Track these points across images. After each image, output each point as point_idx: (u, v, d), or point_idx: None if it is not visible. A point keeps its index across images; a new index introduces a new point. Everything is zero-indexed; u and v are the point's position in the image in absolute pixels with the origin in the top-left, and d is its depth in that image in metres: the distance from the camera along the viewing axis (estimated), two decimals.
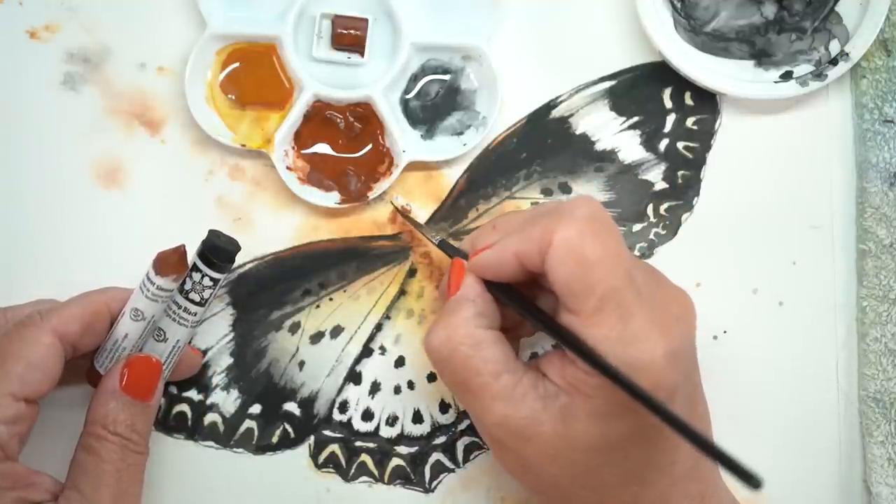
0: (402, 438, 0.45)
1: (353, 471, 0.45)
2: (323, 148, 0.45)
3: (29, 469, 0.37)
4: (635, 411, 0.34)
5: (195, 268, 0.40)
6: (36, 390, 0.37)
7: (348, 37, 0.45)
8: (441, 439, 0.45)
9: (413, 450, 0.45)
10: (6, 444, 0.37)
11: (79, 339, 0.39)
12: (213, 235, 0.41)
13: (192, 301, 0.41)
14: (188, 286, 0.40)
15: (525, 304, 0.38)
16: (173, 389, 0.45)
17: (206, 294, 0.41)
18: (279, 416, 0.45)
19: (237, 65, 0.45)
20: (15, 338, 0.38)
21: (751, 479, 0.29)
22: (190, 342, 0.44)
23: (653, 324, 0.34)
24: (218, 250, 0.40)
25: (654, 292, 0.36)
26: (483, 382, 0.36)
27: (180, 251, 0.39)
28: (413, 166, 0.45)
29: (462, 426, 0.45)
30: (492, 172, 0.46)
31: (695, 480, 0.37)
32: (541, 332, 0.44)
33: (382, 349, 0.45)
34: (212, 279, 0.40)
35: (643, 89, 0.46)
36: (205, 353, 0.45)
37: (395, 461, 0.45)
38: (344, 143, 0.45)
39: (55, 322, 0.38)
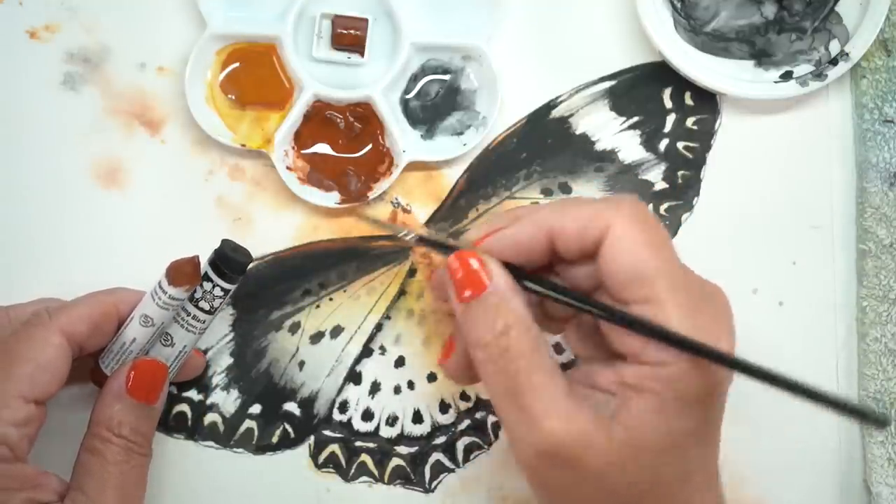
0: (402, 438, 0.45)
1: (353, 471, 0.45)
2: (323, 148, 0.45)
3: (37, 470, 0.37)
4: (699, 404, 0.33)
5: (206, 277, 0.40)
6: (45, 392, 0.37)
7: (348, 37, 0.45)
8: (441, 439, 0.45)
9: (413, 450, 0.45)
10: (16, 445, 0.37)
11: (86, 339, 0.39)
12: (227, 246, 0.40)
13: (201, 309, 0.41)
14: (198, 294, 0.40)
15: (571, 291, 0.35)
16: (173, 389, 0.44)
17: (216, 303, 0.41)
18: (279, 416, 0.45)
19: (237, 65, 0.45)
20: (23, 338, 0.38)
21: (878, 420, 0.29)
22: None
23: (716, 319, 0.34)
24: (230, 261, 0.40)
25: (705, 289, 0.35)
26: (542, 388, 0.33)
27: (194, 262, 0.39)
28: (413, 166, 0.45)
29: (462, 426, 0.45)
30: (492, 172, 0.46)
31: (719, 485, 0.36)
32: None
33: (382, 349, 0.45)
34: (223, 290, 0.40)
35: (643, 89, 0.46)
36: (205, 353, 0.45)
37: (395, 461, 0.45)
38: (344, 143, 0.45)
39: (64, 322, 0.38)
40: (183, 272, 0.39)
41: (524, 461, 0.33)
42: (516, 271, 0.35)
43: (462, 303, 0.34)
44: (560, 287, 0.35)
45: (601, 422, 0.33)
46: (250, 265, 0.41)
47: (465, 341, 0.35)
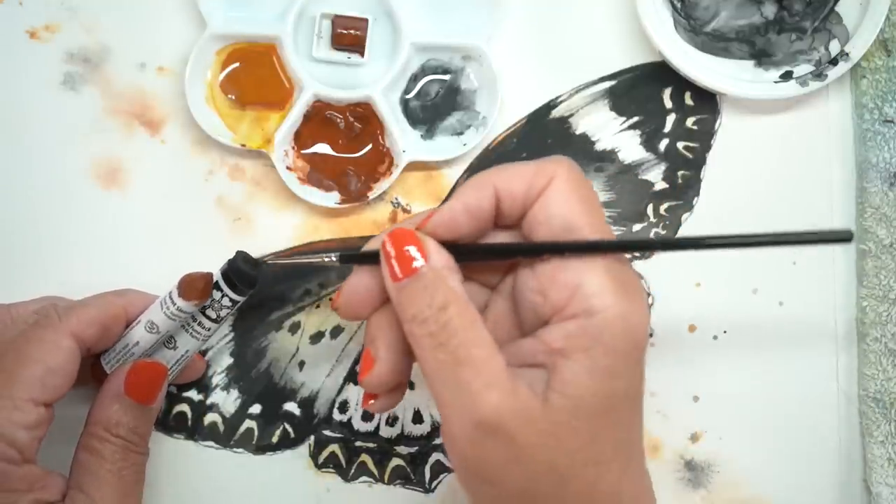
0: (402, 438, 0.45)
1: (353, 471, 0.45)
2: (323, 148, 0.45)
3: (43, 471, 0.38)
4: (629, 360, 0.33)
5: (217, 286, 0.40)
6: (55, 394, 0.37)
7: (348, 37, 0.45)
8: (441, 439, 0.45)
9: (413, 450, 0.45)
10: (26, 448, 0.37)
11: (95, 342, 0.39)
12: (241, 258, 0.40)
13: (208, 317, 0.40)
14: (207, 302, 0.40)
15: (493, 246, 0.35)
16: (173, 389, 0.45)
17: (223, 313, 0.41)
18: (279, 416, 0.45)
19: (237, 65, 0.45)
20: (33, 339, 0.38)
21: (841, 234, 0.29)
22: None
23: (634, 281, 0.34)
24: (242, 274, 0.40)
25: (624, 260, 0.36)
26: (481, 362, 0.32)
27: (207, 279, 0.39)
28: (413, 166, 0.45)
29: None
30: None
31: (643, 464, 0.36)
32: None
33: None
34: (231, 300, 0.40)
35: (643, 89, 0.46)
36: (205, 353, 0.45)
37: (395, 461, 0.45)
38: (344, 143, 0.45)
39: (74, 325, 0.38)
40: (195, 287, 0.39)
41: (460, 437, 0.32)
42: (449, 249, 0.35)
43: (397, 282, 0.34)
44: (491, 246, 0.35)
45: (537, 393, 0.32)
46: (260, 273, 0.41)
47: (401, 320, 0.34)
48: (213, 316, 0.41)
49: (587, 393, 0.32)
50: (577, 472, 0.33)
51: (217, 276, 0.40)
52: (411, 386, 0.45)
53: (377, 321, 0.36)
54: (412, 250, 0.34)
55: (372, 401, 0.37)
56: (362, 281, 0.36)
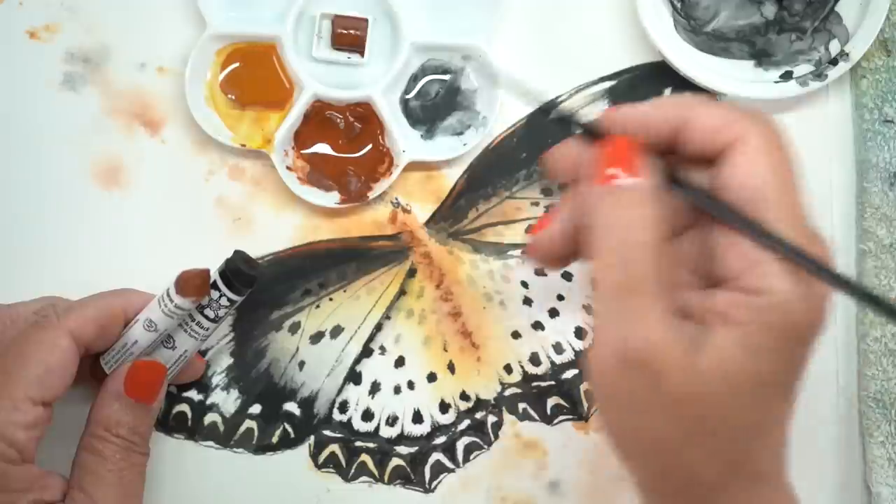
0: (402, 438, 0.45)
1: (353, 471, 0.45)
2: (323, 148, 0.45)
3: (43, 471, 0.37)
4: (789, 345, 0.31)
5: (215, 286, 0.40)
6: (53, 394, 0.37)
7: (348, 37, 0.45)
8: (441, 439, 0.45)
9: (413, 450, 0.45)
10: (25, 448, 0.37)
11: (93, 341, 0.39)
12: (238, 258, 0.40)
13: (206, 317, 0.41)
14: (205, 302, 0.40)
15: (718, 198, 0.32)
16: (173, 390, 0.44)
17: (222, 313, 0.41)
18: (279, 416, 0.45)
19: (237, 65, 0.45)
20: (32, 339, 0.38)
21: None
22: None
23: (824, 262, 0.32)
24: (240, 274, 0.40)
25: (816, 232, 0.33)
26: (655, 290, 0.30)
27: (204, 275, 0.39)
28: (413, 166, 0.45)
29: (462, 426, 0.45)
30: (492, 172, 0.46)
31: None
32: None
33: (382, 349, 0.45)
34: (229, 300, 0.40)
35: (643, 89, 0.46)
36: (205, 353, 0.45)
37: (395, 461, 0.45)
38: (344, 143, 0.45)
39: (72, 324, 0.38)
40: (192, 284, 0.39)
41: (608, 367, 0.31)
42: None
43: (600, 183, 0.32)
44: (704, 191, 0.33)
45: (685, 345, 0.30)
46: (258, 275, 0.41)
47: (589, 222, 0.32)
48: (212, 315, 0.41)
49: (731, 365, 0.30)
50: (687, 451, 0.31)
51: (215, 276, 0.40)
52: (411, 386, 0.45)
53: (573, 193, 0.34)
54: (633, 155, 0.32)
55: (537, 234, 0.35)
56: (576, 147, 0.34)
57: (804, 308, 0.31)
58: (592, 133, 0.33)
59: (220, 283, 0.40)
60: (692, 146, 0.33)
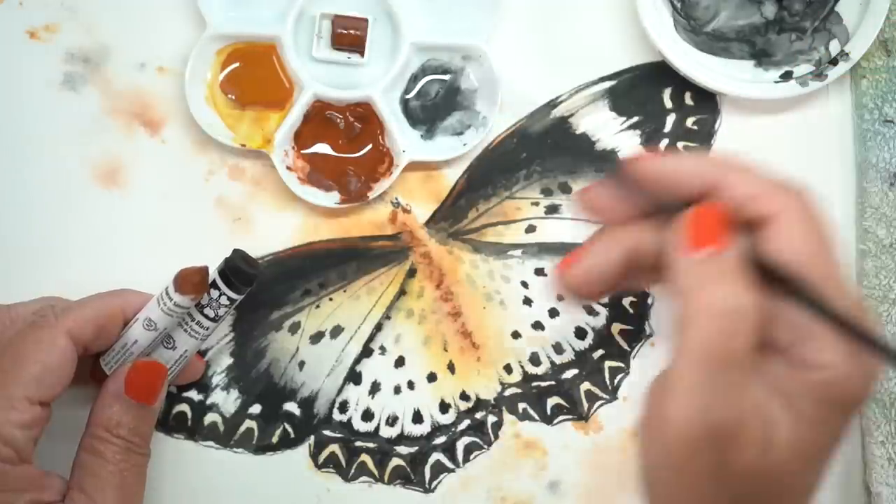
0: (402, 438, 0.45)
1: (353, 471, 0.45)
2: (323, 148, 0.45)
3: (41, 471, 0.37)
4: (836, 420, 0.31)
5: (214, 285, 0.40)
6: (51, 393, 0.37)
7: (348, 37, 0.45)
8: (441, 439, 0.45)
9: (413, 450, 0.45)
10: (23, 448, 0.37)
11: (92, 341, 0.39)
12: (238, 256, 0.40)
13: (206, 316, 0.40)
14: (204, 301, 0.40)
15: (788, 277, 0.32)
16: (173, 390, 0.44)
17: (221, 312, 0.41)
18: (279, 416, 0.45)
19: (237, 65, 0.45)
20: (30, 339, 0.38)
21: None
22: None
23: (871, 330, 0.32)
24: (240, 272, 0.40)
25: (860, 301, 0.34)
26: (749, 368, 0.30)
27: (203, 273, 0.39)
28: (413, 166, 0.45)
29: (462, 426, 0.45)
30: (492, 172, 0.46)
31: None
32: None
33: (382, 349, 0.45)
34: (229, 299, 0.40)
35: (643, 89, 0.46)
36: (205, 353, 0.45)
37: (395, 461, 0.45)
38: (344, 143, 0.45)
39: (70, 324, 0.38)
40: (190, 281, 0.39)
41: (683, 435, 0.30)
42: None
43: (693, 253, 0.31)
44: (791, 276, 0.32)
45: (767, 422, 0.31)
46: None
47: (683, 289, 0.31)
48: (211, 315, 0.41)
49: (792, 443, 0.31)
50: None
51: (214, 275, 0.40)
52: (411, 386, 0.45)
53: (610, 232, 0.35)
54: (726, 225, 0.31)
55: (573, 266, 0.35)
56: (611, 191, 0.34)
57: (857, 383, 0.31)
58: (666, 206, 0.33)
59: (219, 282, 0.40)
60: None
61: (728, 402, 0.30)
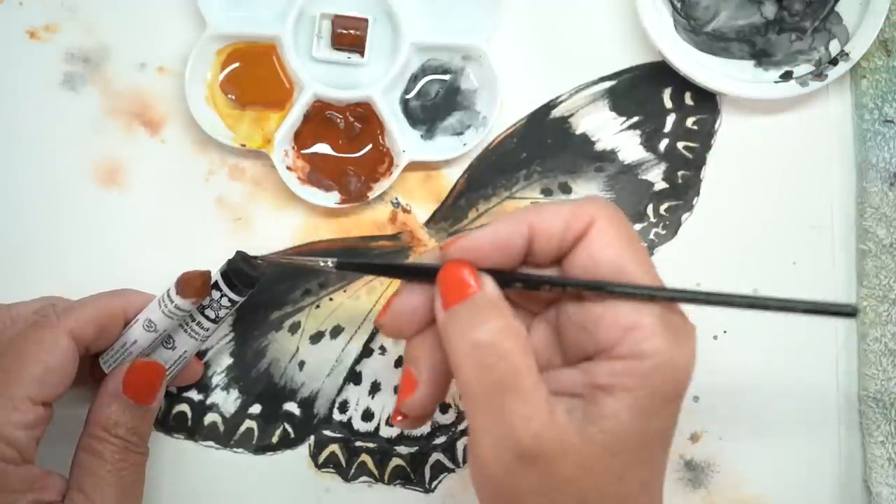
0: (402, 438, 0.45)
1: (353, 471, 0.45)
2: (323, 148, 0.45)
3: (43, 471, 0.37)
4: (672, 402, 0.33)
5: (216, 286, 0.40)
6: (53, 393, 0.37)
7: (348, 37, 0.45)
8: (441, 439, 0.45)
9: (413, 450, 0.45)
10: (25, 448, 0.37)
11: (92, 341, 0.39)
12: (240, 258, 0.40)
13: (206, 317, 0.40)
14: (206, 302, 0.40)
15: (539, 277, 0.35)
16: (173, 390, 0.45)
17: (222, 313, 0.41)
18: (279, 416, 0.45)
19: (237, 65, 0.45)
20: (32, 339, 0.38)
21: (846, 308, 0.30)
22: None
23: (687, 323, 0.34)
24: (242, 274, 0.40)
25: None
26: (528, 390, 0.32)
27: (205, 277, 0.39)
28: (413, 166, 0.45)
29: (462, 426, 0.45)
30: (492, 172, 0.46)
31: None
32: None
33: (382, 349, 0.45)
34: (230, 300, 0.40)
35: (643, 89, 0.46)
36: (205, 353, 0.45)
37: (395, 461, 0.45)
38: (344, 143, 0.45)
39: (72, 324, 0.38)
40: (192, 285, 0.39)
41: (495, 463, 0.32)
42: (496, 275, 0.35)
43: (449, 308, 0.34)
44: (545, 277, 0.35)
45: (576, 424, 0.32)
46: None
47: (448, 349, 0.34)
48: (212, 316, 0.41)
49: (625, 430, 0.32)
50: None
51: (216, 276, 0.40)
52: None
53: (421, 342, 0.36)
54: (466, 275, 0.34)
55: (401, 418, 0.37)
56: (410, 300, 0.36)
57: (682, 363, 0.33)
58: (425, 273, 0.36)
59: (221, 284, 0.40)
60: (545, 253, 0.34)
61: (524, 424, 0.32)
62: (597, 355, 0.33)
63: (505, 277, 0.35)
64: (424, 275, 0.36)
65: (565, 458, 0.32)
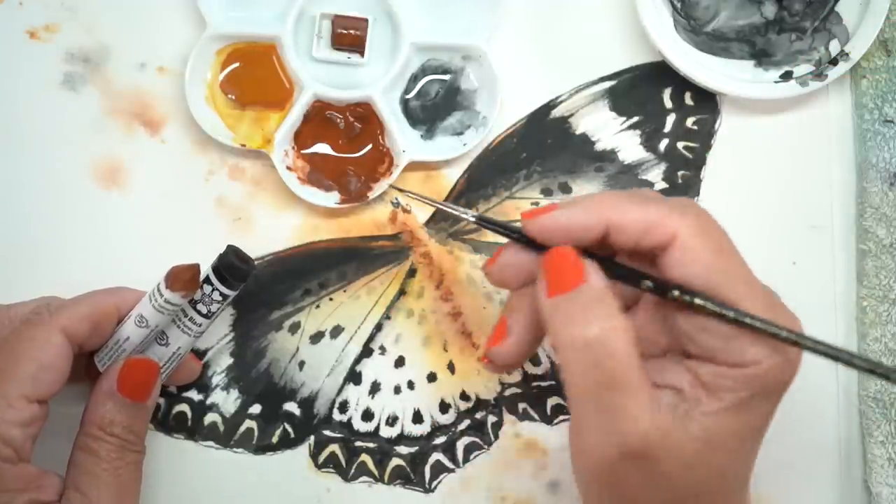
0: (402, 438, 0.45)
1: (353, 471, 0.45)
2: (323, 148, 0.45)
3: (39, 470, 0.37)
4: (770, 403, 0.33)
5: (208, 280, 0.40)
6: (48, 391, 0.37)
7: (348, 37, 0.45)
8: (441, 439, 0.45)
9: (413, 450, 0.45)
10: (21, 446, 0.37)
11: (86, 339, 0.39)
12: (231, 252, 0.40)
13: (199, 312, 0.40)
14: (198, 297, 0.40)
15: (642, 274, 0.34)
16: (173, 389, 0.45)
17: (214, 308, 0.41)
18: (279, 416, 0.45)
19: (237, 65, 0.45)
20: (25, 337, 0.38)
21: None
22: (191, 350, 0.43)
23: (793, 318, 0.34)
24: (233, 268, 0.40)
25: (772, 292, 0.35)
26: (637, 386, 0.32)
27: (194, 270, 0.39)
28: (413, 166, 0.45)
29: (462, 426, 0.45)
30: (492, 172, 0.46)
31: None
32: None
33: (382, 349, 0.45)
34: (222, 295, 0.40)
35: (643, 89, 0.46)
36: (205, 353, 0.45)
37: (395, 461, 0.45)
38: (344, 143, 0.45)
39: (64, 321, 0.38)
40: (181, 278, 0.39)
41: (602, 459, 0.33)
42: (606, 264, 0.34)
43: (552, 297, 0.34)
44: (648, 277, 0.34)
45: (679, 422, 0.32)
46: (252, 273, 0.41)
47: (552, 337, 0.34)
48: (204, 311, 0.40)
49: (726, 429, 0.33)
50: (703, 501, 0.34)
51: (208, 271, 0.40)
52: (411, 386, 0.45)
53: (522, 296, 0.36)
54: (572, 265, 0.34)
55: (487, 362, 0.38)
56: (519, 256, 0.36)
57: (785, 370, 0.33)
58: (531, 245, 0.36)
59: (212, 278, 0.40)
60: (621, 248, 0.34)
61: (630, 423, 0.32)
62: (697, 356, 0.33)
63: (609, 268, 0.34)
64: (530, 245, 0.36)
65: (669, 457, 0.32)
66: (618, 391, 0.32)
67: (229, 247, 0.41)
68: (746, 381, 0.32)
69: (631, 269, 0.35)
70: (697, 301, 0.33)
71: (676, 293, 0.33)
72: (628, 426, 0.32)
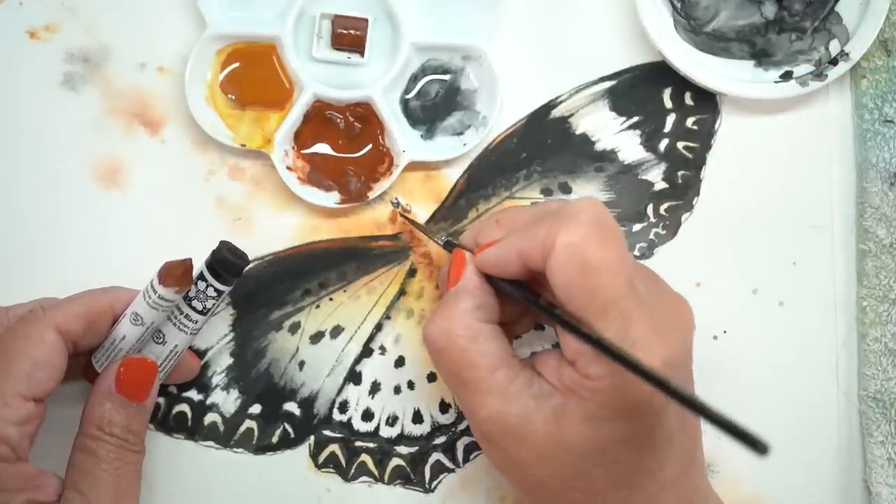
0: (402, 438, 0.45)
1: (353, 471, 0.45)
2: (323, 148, 0.45)
3: (37, 469, 0.37)
4: (627, 417, 0.35)
5: (202, 276, 0.40)
6: (44, 389, 0.37)
7: (348, 37, 0.45)
8: (441, 439, 0.45)
9: (413, 450, 0.45)
10: (18, 445, 0.37)
11: (81, 337, 0.39)
12: (224, 247, 0.40)
13: (194, 309, 0.40)
14: (192, 293, 0.40)
15: (530, 295, 0.38)
16: (173, 389, 0.45)
17: (209, 304, 0.41)
18: (279, 416, 0.45)
19: (237, 65, 0.45)
20: (19, 335, 0.38)
21: (757, 445, 0.28)
22: (190, 348, 0.43)
23: (653, 332, 0.34)
24: (227, 263, 0.40)
25: (655, 300, 0.36)
26: (478, 376, 0.36)
27: (186, 265, 0.39)
28: (413, 166, 0.45)
29: (462, 426, 0.45)
30: (492, 172, 0.46)
31: (682, 486, 0.37)
32: (535, 331, 0.44)
33: (382, 349, 0.45)
34: (216, 290, 0.40)
35: (643, 89, 0.46)
36: (205, 353, 0.45)
37: (395, 461, 0.45)
38: (344, 143, 0.45)
39: (58, 319, 0.38)
40: (173, 274, 0.39)
41: (477, 429, 0.38)
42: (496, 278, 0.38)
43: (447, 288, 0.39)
44: (523, 288, 0.38)
45: (540, 413, 0.36)
46: (246, 268, 0.41)
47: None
48: (199, 307, 0.40)
49: (575, 432, 0.35)
50: (565, 495, 0.37)
51: (202, 267, 0.40)
52: (411, 386, 0.45)
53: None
54: (457, 266, 0.39)
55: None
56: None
57: (625, 393, 0.35)
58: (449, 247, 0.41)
59: (206, 274, 0.40)
60: (538, 270, 0.36)
61: (471, 411, 0.37)
62: (567, 360, 0.36)
63: (502, 282, 0.39)
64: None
65: (522, 443, 0.36)
66: (463, 385, 0.37)
67: (222, 242, 0.41)
68: (594, 393, 0.35)
69: (511, 280, 0.38)
70: (557, 312, 0.36)
71: (543, 302, 0.37)
72: (476, 413, 0.37)
